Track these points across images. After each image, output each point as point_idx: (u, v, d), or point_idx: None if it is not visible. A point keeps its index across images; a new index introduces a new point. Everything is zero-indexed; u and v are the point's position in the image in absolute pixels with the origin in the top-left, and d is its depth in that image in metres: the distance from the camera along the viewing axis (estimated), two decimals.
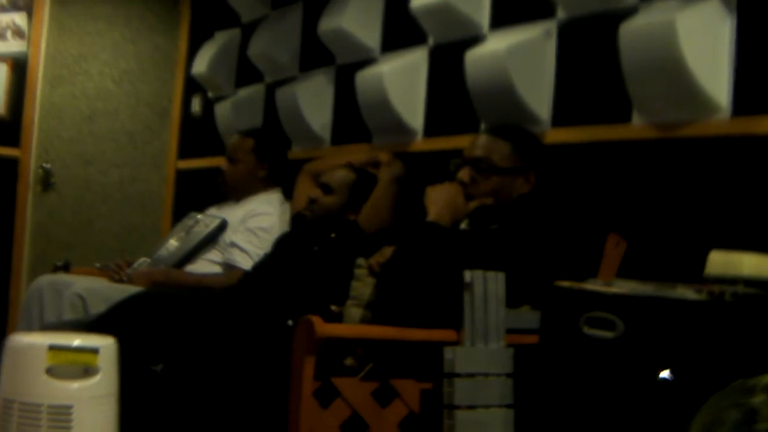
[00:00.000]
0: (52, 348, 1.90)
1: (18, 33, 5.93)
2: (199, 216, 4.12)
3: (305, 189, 3.82)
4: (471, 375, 2.36)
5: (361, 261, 2.86)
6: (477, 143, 3.00)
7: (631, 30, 2.76)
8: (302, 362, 2.37)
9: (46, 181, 5.98)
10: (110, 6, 6.11)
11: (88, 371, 1.91)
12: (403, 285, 2.68)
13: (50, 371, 1.82)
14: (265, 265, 3.56)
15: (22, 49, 5.95)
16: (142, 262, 4.10)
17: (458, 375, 2.34)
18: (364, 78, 3.83)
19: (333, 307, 2.89)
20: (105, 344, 1.92)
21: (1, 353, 3.47)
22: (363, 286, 2.81)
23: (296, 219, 3.75)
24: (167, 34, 6.00)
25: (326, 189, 3.57)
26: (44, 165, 5.95)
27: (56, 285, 3.78)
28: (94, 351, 1.91)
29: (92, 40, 6.09)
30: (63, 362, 1.89)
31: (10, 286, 5.92)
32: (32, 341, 1.89)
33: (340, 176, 3.59)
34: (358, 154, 3.79)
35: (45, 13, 6.01)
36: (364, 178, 3.56)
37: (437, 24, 3.60)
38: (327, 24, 4.12)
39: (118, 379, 2.08)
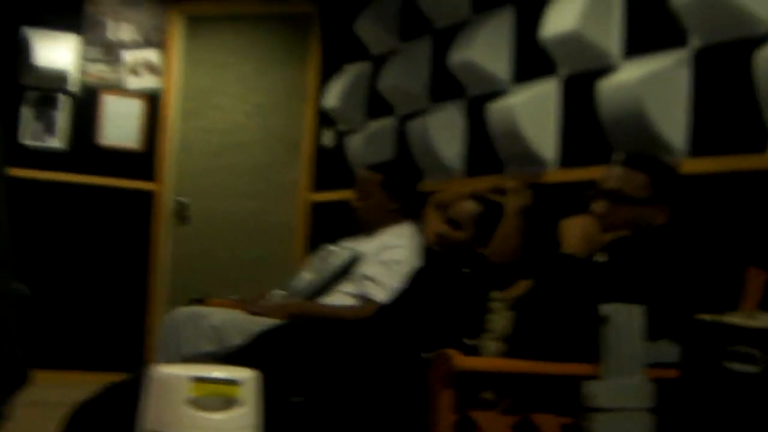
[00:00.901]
0: (195, 380, 1.93)
1: (152, 69, 6.12)
2: (333, 248, 4.16)
3: (434, 221, 3.83)
4: (611, 409, 2.33)
5: (495, 294, 2.86)
6: (612, 174, 2.97)
7: (766, 57, 2.71)
8: (440, 395, 2.38)
9: (181, 214, 6.12)
10: (241, 40, 6.24)
11: (230, 403, 1.94)
12: (541, 318, 2.67)
13: (193, 403, 1.86)
14: (399, 297, 3.58)
15: (155, 84, 6.14)
16: (277, 294, 4.16)
17: (598, 409, 2.32)
18: (495, 109, 3.84)
19: (467, 341, 2.89)
20: (247, 376, 1.95)
21: (140, 384, 3.57)
22: (499, 319, 2.81)
23: (428, 253, 3.77)
24: (298, 68, 6.09)
25: (454, 224, 3.57)
26: (179, 198, 6.11)
27: (193, 317, 3.84)
28: (237, 383, 1.94)
29: (224, 74, 6.23)
30: (206, 394, 1.92)
31: (147, 318, 6.08)
32: (175, 373, 1.93)
33: (466, 210, 3.58)
34: (482, 183, 3.80)
35: (177, 49, 6.19)
36: (490, 209, 3.55)
37: (567, 54, 3.59)
38: (457, 56, 4.15)
39: (260, 411, 2.12)
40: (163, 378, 1.96)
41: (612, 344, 2.36)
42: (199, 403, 1.87)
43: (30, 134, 5.94)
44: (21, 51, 5.91)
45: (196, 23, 6.29)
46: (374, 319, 3.57)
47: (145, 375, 3.61)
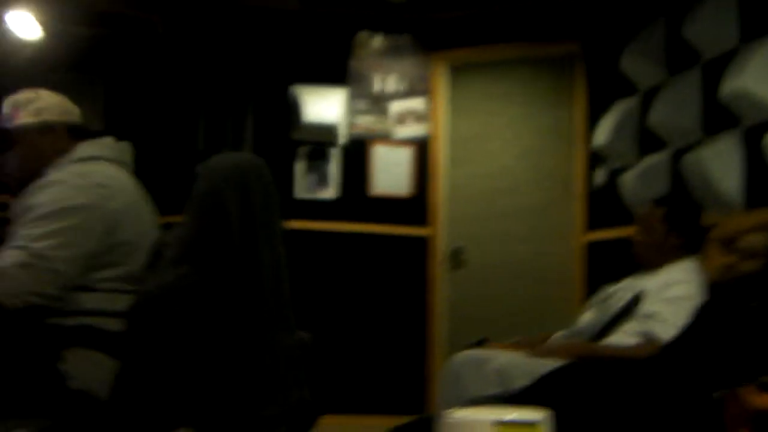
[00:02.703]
0: (497, 423, 1.97)
1: (418, 117, 6.30)
2: (614, 287, 4.14)
3: (716, 255, 3.74)
4: None
5: None
6: None
7: None
8: None
9: (456, 259, 6.24)
10: (507, 84, 6.32)
11: None
12: None
13: None
14: (686, 334, 3.51)
15: (422, 132, 6.32)
16: (559, 335, 4.18)
17: None
18: None
19: (764, 378, 2.81)
20: (543, 417, 1.99)
21: (425, 428, 3.65)
22: None
23: (713, 288, 3.68)
24: (565, 108, 6.11)
25: (743, 255, 3.48)
26: (454, 243, 6.23)
27: (476, 360, 3.89)
28: (537, 424, 1.98)
29: (492, 118, 6.32)
30: None
31: (427, 362, 6.21)
32: (475, 417, 1.98)
33: (757, 241, 3.48)
34: (763, 215, 3.68)
35: (443, 95, 6.35)
36: None
37: None
38: (728, 86, 4.06)
39: None
40: (462, 423, 2.00)
41: None
42: None
43: (303, 187, 6.26)
44: (291, 108, 6.26)
45: (459, 70, 6.44)
46: (660, 357, 3.51)
47: (430, 419, 3.72)
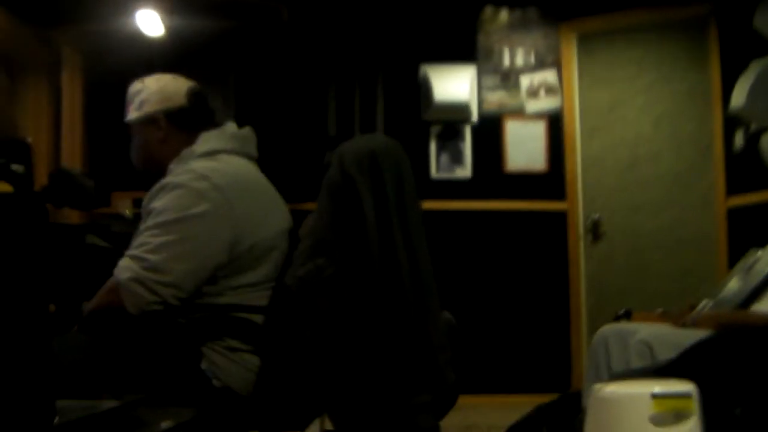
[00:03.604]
0: (655, 396, 1.95)
1: (550, 90, 6.23)
2: (760, 252, 4.03)
3: None
4: None
5: None
6: None
7: None
8: None
9: (596, 231, 6.16)
10: (639, 50, 6.21)
11: (681, 417, 1.94)
12: None
13: (653, 420, 1.87)
14: None
15: (555, 105, 6.24)
16: (705, 304, 4.09)
17: None
18: None
19: None
20: (693, 389, 1.95)
21: (571, 404, 3.61)
22: None
23: None
24: (700, 70, 5.96)
25: None
26: (593, 215, 6.15)
27: (621, 333, 3.84)
28: (690, 396, 1.94)
29: (624, 86, 6.22)
30: (665, 410, 1.93)
31: (571, 337, 6.15)
32: (634, 391, 1.96)
33: None
34: None
35: (574, 66, 6.27)
36: None
37: None
38: None
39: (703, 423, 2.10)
40: (619, 397, 1.97)
41: None
42: (657, 420, 1.88)
43: (438, 167, 6.26)
44: (421, 88, 6.26)
45: (588, 39, 6.34)
46: None
47: (576, 395, 3.67)
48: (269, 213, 2.79)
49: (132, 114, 2.90)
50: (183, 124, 2.88)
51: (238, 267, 2.65)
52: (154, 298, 2.51)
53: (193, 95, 2.91)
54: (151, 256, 2.52)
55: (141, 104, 2.88)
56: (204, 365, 2.61)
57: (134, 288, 2.50)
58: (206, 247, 2.58)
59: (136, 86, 2.92)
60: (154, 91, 2.89)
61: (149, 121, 2.87)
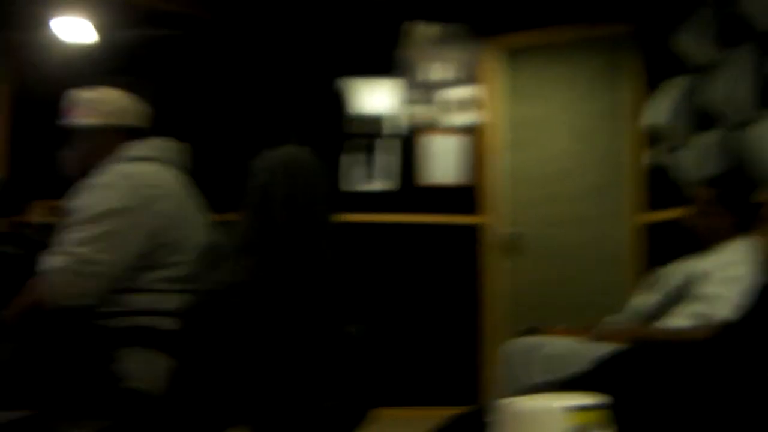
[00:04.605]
0: (569, 409, 1.94)
1: (470, 105, 6.28)
2: (668, 269, 4.09)
3: None
4: None
5: None
6: None
7: None
8: None
9: (513, 245, 6.20)
10: (562, 67, 6.27)
11: (593, 429, 1.94)
12: None
13: None
14: (744, 315, 3.45)
15: (475, 119, 6.29)
16: (614, 319, 4.13)
17: None
18: None
19: None
20: (605, 401, 1.95)
21: (482, 417, 3.62)
22: None
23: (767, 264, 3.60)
24: (620, 88, 6.04)
25: None
26: (511, 230, 6.19)
27: (528, 347, 3.87)
28: (605, 408, 1.94)
29: (548, 102, 6.28)
30: (579, 423, 1.92)
31: (482, 351, 6.18)
32: (546, 404, 1.95)
33: None
34: None
35: (497, 82, 6.32)
36: None
37: None
38: None
39: None
40: (531, 411, 1.95)
41: None
42: None
43: (356, 179, 6.25)
44: (342, 100, 6.25)
45: (515, 55, 6.39)
46: (718, 339, 3.46)
47: (485, 409, 3.68)
48: (191, 216, 2.89)
49: (81, 119, 2.94)
50: (130, 139, 2.97)
51: (157, 262, 2.76)
52: (80, 291, 2.60)
53: (146, 116, 3.01)
54: (77, 249, 2.62)
55: (98, 113, 2.92)
56: (117, 367, 2.65)
57: (62, 278, 2.59)
58: (129, 240, 2.69)
59: (88, 93, 2.97)
60: (114, 103, 2.98)
61: (101, 130, 2.92)
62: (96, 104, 2.96)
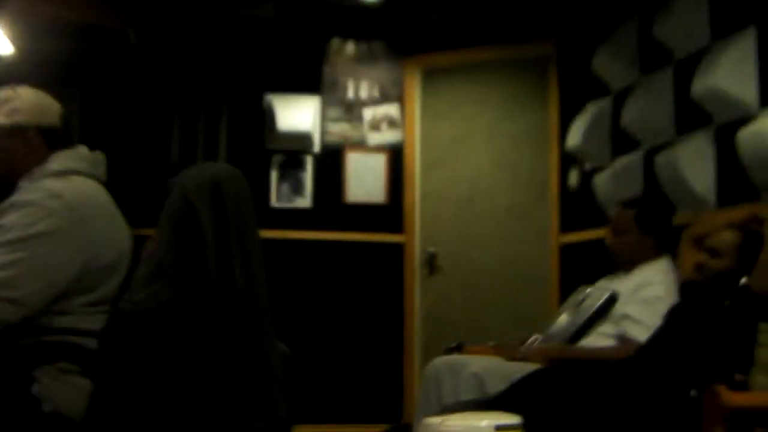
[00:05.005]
0: (494, 429, 1.95)
1: (392, 123, 6.29)
2: (589, 289, 4.13)
3: (689, 254, 3.74)
4: None
5: (763, 326, 2.77)
6: None
7: None
8: None
9: (432, 264, 6.23)
10: (481, 88, 6.32)
11: None
12: None
13: None
14: (661, 335, 3.51)
15: (397, 138, 6.30)
16: (536, 338, 4.17)
17: None
18: (745, 136, 3.72)
19: (737, 376, 2.80)
20: (525, 420, 1.97)
21: None
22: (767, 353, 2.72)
23: (686, 286, 3.67)
24: (539, 109, 6.09)
25: (713, 252, 3.47)
26: (430, 249, 6.22)
27: (452, 366, 3.89)
28: (526, 427, 1.96)
29: (466, 122, 6.31)
30: None
31: (404, 369, 6.19)
32: (466, 424, 1.96)
33: (725, 238, 3.46)
34: (738, 212, 3.67)
35: (417, 101, 6.34)
36: (750, 238, 3.42)
37: None
38: (700, 84, 4.05)
39: None
40: (457, 430, 1.95)
41: None
42: None
43: (278, 196, 6.23)
44: (265, 117, 6.24)
45: (432, 75, 6.43)
46: (636, 358, 3.51)
47: (407, 427, 3.68)
48: (114, 234, 2.78)
49: None
50: (50, 142, 2.80)
51: (85, 286, 2.61)
52: None
53: (64, 116, 2.87)
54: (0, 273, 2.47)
55: (12, 112, 2.77)
56: (35, 389, 2.52)
57: None
58: (56, 265, 2.54)
59: (5, 93, 2.82)
60: (29, 102, 2.81)
61: (18, 131, 2.77)
62: (5, 104, 2.81)
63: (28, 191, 2.64)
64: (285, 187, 6.24)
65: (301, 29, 6.34)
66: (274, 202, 6.22)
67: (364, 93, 6.35)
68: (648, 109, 4.61)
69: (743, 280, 3.30)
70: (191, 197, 2.49)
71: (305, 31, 6.35)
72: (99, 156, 2.91)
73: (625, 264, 4.08)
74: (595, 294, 4.04)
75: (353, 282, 6.25)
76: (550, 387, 3.29)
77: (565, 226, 5.74)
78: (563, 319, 4.10)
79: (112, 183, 2.97)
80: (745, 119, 3.82)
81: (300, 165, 6.26)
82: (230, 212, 2.48)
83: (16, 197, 2.62)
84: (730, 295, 3.35)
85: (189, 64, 6.26)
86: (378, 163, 6.30)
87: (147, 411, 2.42)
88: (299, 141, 6.22)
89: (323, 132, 6.30)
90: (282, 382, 2.55)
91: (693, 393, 2.76)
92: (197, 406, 2.39)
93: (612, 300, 3.91)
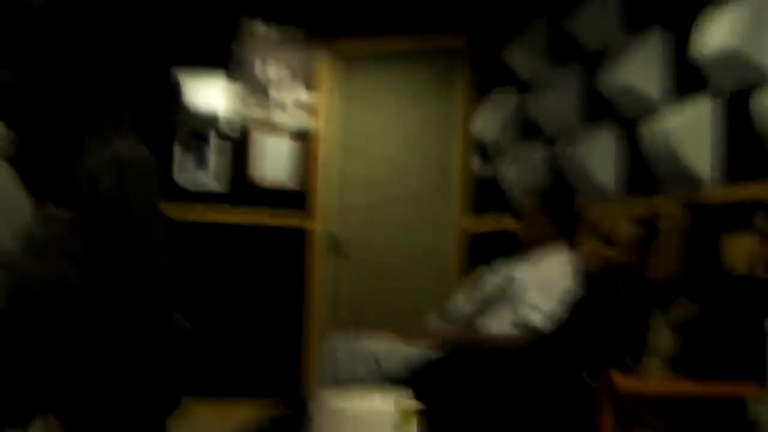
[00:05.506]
0: (387, 406, 1.94)
1: (302, 107, 6.25)
2: (488, 272, 4.17)
3: (590, 243, 3.80)
4: None
5: (657, 314, 2.83)
6: None
7: None
8: (604, 417, 2.37)
9: (337, 248, 6.21)
10: (394, 75, 6.31)
11: (402, 429, 1.95)
12: (709, 339, 2.62)
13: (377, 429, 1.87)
14: (559, 322, 3.56)
15: (307, 122, 6.26)
16: (433, 318, 4.19)
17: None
18: (649, 130, 3.80)
19: (628, 360, 2.86)
20: (422, 403, 1.97)
21: (298, 410, 3.62)
22: (661, 339, 2.77)
23: (586, 276, 3.73)
24: (450, 98, 6.12)
25: (609, 242, 3.53)
26: (334, 233, 6.20)
27: (350, 344, 3.91)
28: (415, 409, 1.96)
29: (379, 108, 6.30)
30: (399, 421, 1.92)
31: (305, 350, 6.18)
32: (364, 401, 1.95)
33: (624, 230, 3.53)
34: (636, 206, 3.74)
35: (329, 86, 6.31)
36: (648, 229, 3.49)
37: (725, 71, 3.51)
38: (608, 78, 4.12)
39: None
40: (353, 406, 1.93)
41: None
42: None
43: (185, 175, 6.14)
44: (174, 94, 6.13)
45: (348, 61, 6.40)
46: (535, 345, 3.55)
47: (302, 398, 3.68)
48: (9, 201, 2.71)
49: None
50: None
51: None
52: None
53: None
54: None
55: None
56: None
57: None
58: None
59: None
60: None
61: None
62: None
63: None
64: (191, 166, 6.14)
65: (216, 7, 6.24)
66: (180, 181, 6.11)
67: (275, 75, 6.30)
68: (555, 100, 4.68)
69: None
70: (97, 176, 2.47)
71: (220, 9, 6.26)
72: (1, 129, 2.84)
73: (527, 249, 4.11)
74: (493, 276, 4.08)
75: (259, 264, 6.20)
76: (450, 375, 3.31)
77: (470, 212, 5.79)
78: (461, 300, 4.14)
79: (18, 157, 2.91)
80: (650, 113, 3.90)
81: (207, 144, 6.18)
82: (135, 191, 2.46)
83: None
84: (627, 284, 3.42)
85: (97, 35, 6.12)
86: (286, 146, 6.24)
87: (34, 376, 2.39)
88: (207, 120, 6.13)
89: (234, 112, 6.22)
90: (178, 354, 2.54)
91: (586, 378, 2.80)
92: (80, 372, 2.37)
93: (509, 283, 3.93)
